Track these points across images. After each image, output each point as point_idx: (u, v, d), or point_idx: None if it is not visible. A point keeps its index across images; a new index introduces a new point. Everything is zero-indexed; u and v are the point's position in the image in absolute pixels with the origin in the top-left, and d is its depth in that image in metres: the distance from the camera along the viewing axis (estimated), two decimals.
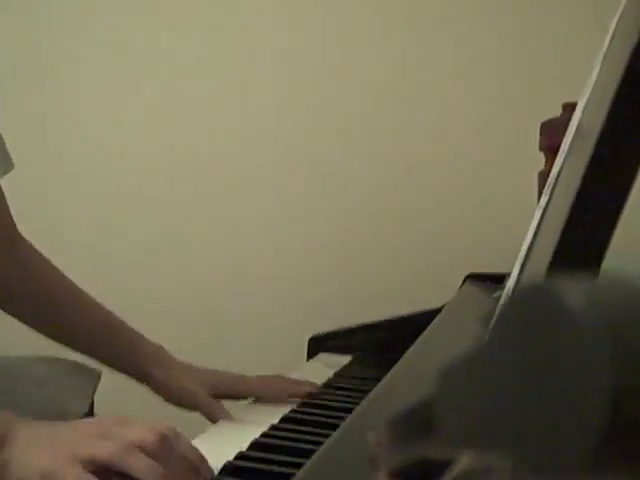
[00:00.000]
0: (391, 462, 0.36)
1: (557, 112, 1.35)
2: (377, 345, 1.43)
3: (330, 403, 1.08)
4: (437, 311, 1.32)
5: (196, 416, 1.13)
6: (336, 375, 1.27)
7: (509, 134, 1.83)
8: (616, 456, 0.21)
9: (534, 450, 0.23)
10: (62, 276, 1.22)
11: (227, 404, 1.14)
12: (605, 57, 0.64)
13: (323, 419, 0.99)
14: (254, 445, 0.87)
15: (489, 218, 1.84)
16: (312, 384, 1.13)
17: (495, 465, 0.29)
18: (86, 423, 0.83)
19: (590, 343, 0.22)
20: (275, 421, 0.99)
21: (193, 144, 1.98)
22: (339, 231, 1.92)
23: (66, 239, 1.99)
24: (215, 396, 1.13)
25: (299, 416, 1.02)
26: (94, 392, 1.26)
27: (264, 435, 0.92)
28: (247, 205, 1.96)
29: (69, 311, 1.20)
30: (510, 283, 0.75)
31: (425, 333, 1.11)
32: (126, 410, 0.88)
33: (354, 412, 0.80)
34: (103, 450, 0.73)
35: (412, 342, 1.05)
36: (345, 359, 1.39)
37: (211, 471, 0.78)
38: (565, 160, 0.65)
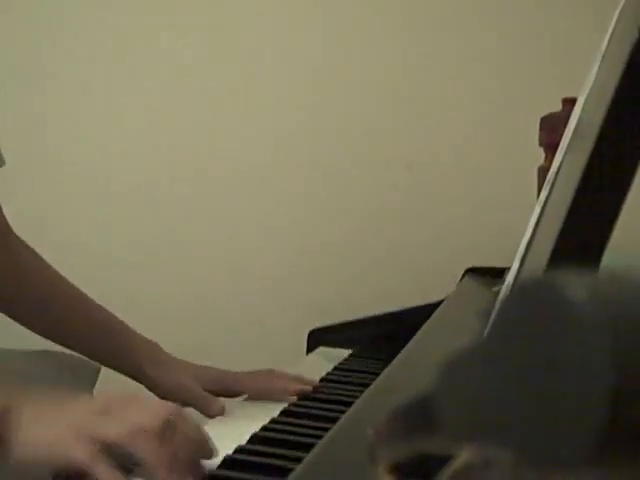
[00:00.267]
0: (390, 456, 0.36)
1: (557, 107, 1.35)
2: (377, 339, 1.43)
3: (330, 397, 1.08)
4: (437, 305, 1.32)
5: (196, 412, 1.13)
6: (336, 369, 1.27)
7: (509, 129, 1.83)
8: (616, 451, 0.22)
9: (534, 444, 0.23)
10: (55, 274, 1.21)
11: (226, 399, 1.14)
12: (605, 54, 0.64)
13: (323, 413, 0.99)
14: (253, 439, 0.87)
15: (489, 213, 1.84)
16: (309, 381, 1.13)
17: (494, 459, 0.29)
18: (92, 401, 0.82)
19: (590, 337, 0.22)
20: (275, 414, 0.99)
21: (193, 144, 1.98)
22: (339, 225, 1.92)
23: (66, 239, 1.99)
24: (209, 393, 1.13)
25: (299, 410, 1.02)
26: (93, 386, 1.26)
27: (264, 429, 0.92)
28: (247, 204, 1.96)
29: (63, 309, 1.20)
30: (510, 277, 0.75)
31: (425, 327, 1.11)
32: None
33: (354, 406, 0.80)
34: (112, 431, 0.72)
35: (412, 336, 1.05)
36: (345, 353, 1.39)
37: (215, 451, 0.78)
38: (565, 156, 0.65)
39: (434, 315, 1.20)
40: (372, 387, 0.86)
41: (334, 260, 1.91)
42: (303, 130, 1.94)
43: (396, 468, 0.36)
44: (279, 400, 1.07)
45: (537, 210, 0.73)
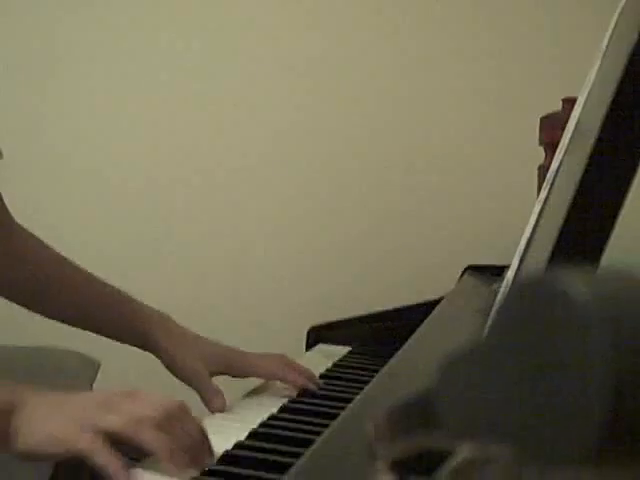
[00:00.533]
0: (390, 453, 0.36)
1: (557, 107, 1.36)
2: (376, 336, 1.43)
3: (329, 393, 1.08)
4: (436, 302, 1.32)
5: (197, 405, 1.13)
6: (335, 366, 1.27)
7: (509, 129, 1.84)
8: (617, 448, 0.22)
9: (533, 442, 0.23)
10: (59, 257, 1.21)
11: (228, 392, 1.14)
12: (605, 54, 0.64)
13: (322, 409, 1.00)
14: (253, 435, 0.88)
15: (489, 211, 1.84)
16: (316, 381, 1.12)
17: (494, 456, 0.29)
18: (95, 394, 0.83)
19: (590, 335, 0.22)
20: (274, 411, 0.99)
21: (193, 144, 1.98)
22: (339, 225, 1.92)
23: (66, 239, 1.99)
24: (217, 372, 1.12)
25: (298, 406, 1.02)
26: (92, 382, 1.26)
27: (263, 425, 0.92)
28: (247, 204, 1.96)
29: (71, 290, 1.20)
30: (509, 275, 0.75)
31: (424, 324, 1.12)
32: None
33: (353, 403, 0.80)
34: (114, 422, 0.74)
35: (411, 333, 1.05)
36: (344, 350, 1.39)
37: (213, 453, 0.79)
38: (565, 155, 0.66)
39: (433, 313, 1.20)
40: (371, 384, 0.86)
41: (334, 259, 1.91)
42: (303, 130, 1.94)
43: (396, 465, 0.37)
44: (279, 395, 1.08)
45: (537, 209, 0.73)
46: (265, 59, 1.96)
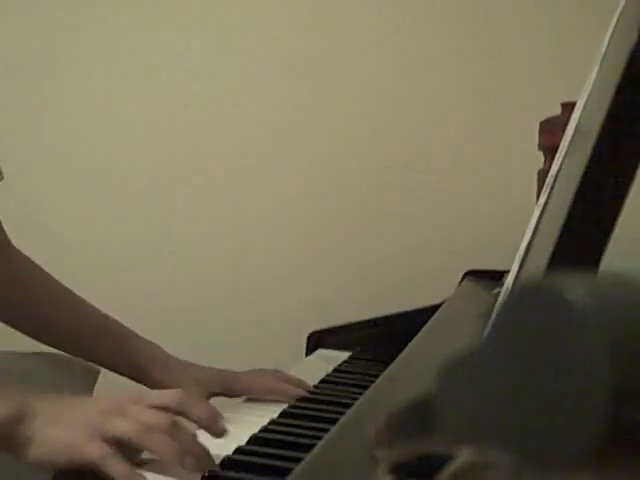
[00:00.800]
0: (390, 457, 0.36)
1: (556, 111, 1.36)
2: (376, 341, 1.43)
3: (329, 398, 1.08)
4: (436, 307, 1.32)
5: None
6: (335, 371, 1.27)
7: (509, 133, 1.84)
8: (616, 453, 0.22)
9: (533, 446, 0.23)
10: (54, 282, 1.22)
11: (226, 399, 1.14)
12: (604, 56, 0.64)
13: (322, 414, 1.00)
14: (253, 439, 0.88)
15: (488, 215, 1.84)
16: (307, 386, 1.13)
17: (495, 461, 0.29)
18: (103, 400, 0.84)
19: (590, 340, 0.22)
20: (274, 416, 0.99)
21: (193, 144, 1.98)
22: (339, 227, 1.92)
23: (66, 239, 2.00)
24: (210, 394, 1.13)
25: (298, 411, 1.02)
26: (92, 388, 1.26)
27: (263, 430, 0.92)
28: (247, 205, 1.96)
29: (64, 318, 1.20)
30: (509, 280, 0.75)
31: (424, 329, 1.12)
32: None
33: (353, 407, 0.80)
34: (124, 429, 0.75)
35: (411, 338, 1.05)
36: (344, 355, 1.39)
37: (225, 429, 0.81)
38: (564, 159, 0.66)
39: (433, 318, 1.20)
40: (371, 389, 0.86)
41: (334, 262, 1.91)
42: (303, 130, 1.94)
43: (396, 469, 0.37)
44: (278, 401, 1.08)
45: (536, 213, 0.73)
46: (265, 59, 1.96)
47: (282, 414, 1.01)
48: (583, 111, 0.65)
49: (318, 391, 1.12)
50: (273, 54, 1.95)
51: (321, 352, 1.43)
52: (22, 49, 2.01)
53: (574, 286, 0.23)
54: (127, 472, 0.72)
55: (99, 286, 1.93)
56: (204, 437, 0.81)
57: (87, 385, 1.25)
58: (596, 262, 0.50)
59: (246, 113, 1.96)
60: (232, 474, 0.78)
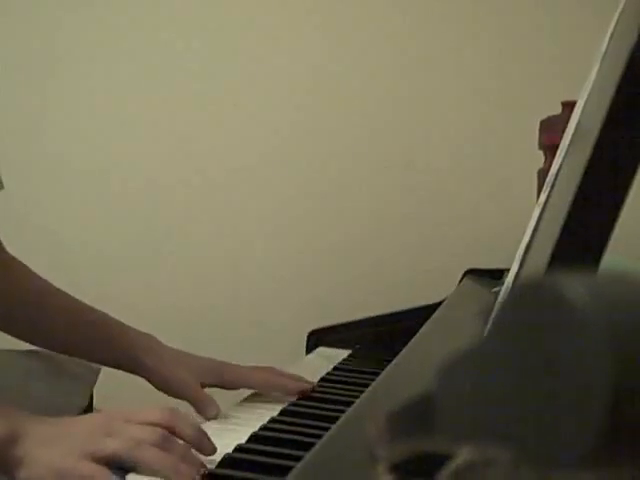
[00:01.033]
0: (390, 455, 0.36)
1: (557, 110, 1.36)
2: (376, 339, 1.43)
3: (329, 396, 1.08)
4: (436, 306, 1.32)
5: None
6: (335, 369, 1.27)
7: (509, 132, 1.84)
8: (616, 452, 0.22)
9: (534, 444, 0.23)
10: (46, 285, 1.22)
11: (224, 397, 1.14)
12: (604, 56, 0.64)
13: (322, 412, 1.00)
14: (253, 438, 0.88)
15: (489, 214, 1.84)
16: (307, 382, 1.13)
17: (495, 459, 0.29)
18: (93, 419, 0.84)
19: (590, 339, 0.22)
20: (274, 414, 0.99)
21: (193, 144, 1.99)
22: (339, 227, 1.92)
23: (66, 239, 2.00)
24: (206, 384, 1.13)
25: (298, 409, 1.03)
26: (93, 386, 1.26)
27: (263, 428, 0.92)
28: (247, 204, 1.96)
29: (57, 319, 1.20)
30: (509, 279, 0.75)
31: (424, 328, 1.11)
32: (125, 404, 0.89)
33: (353, 406, 0.80)
34: (113, 447, 0.75)
35: (411, 336, 1.05)
36: (344, 353, 1.39)
37: (214, 448, 0.80)
38: (564, 158, 0.66)
39: (434, 316, 1.20)
40: (371, 387, 0.86)
41: (334, 261, 1.91)
42: (303, 130, 1.94)
43: (396, 468, 0.37)
44: (278, 399, 1.08)
45: (536, 212, 0.73)
46: (265, 59, 1.96)
47: (282, 412, 1.01)
48: (583, 111, 0.65)
49: (318, 389, 1.12)
50: (273, 54, 1.95)
51: (321, 350, 1.43)
52: (22, 49, 2.01)
53: (574, 285, 0.23)
54: None
55: (99, 286, 1.93)
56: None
57: (88, 383, 1.25)
58: (596, 261, 0.50)
59: (246, 113, 1.96)
60: (232, 472, 0.78)
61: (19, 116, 2.00)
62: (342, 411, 0.86)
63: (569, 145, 0.66)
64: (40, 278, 1.22)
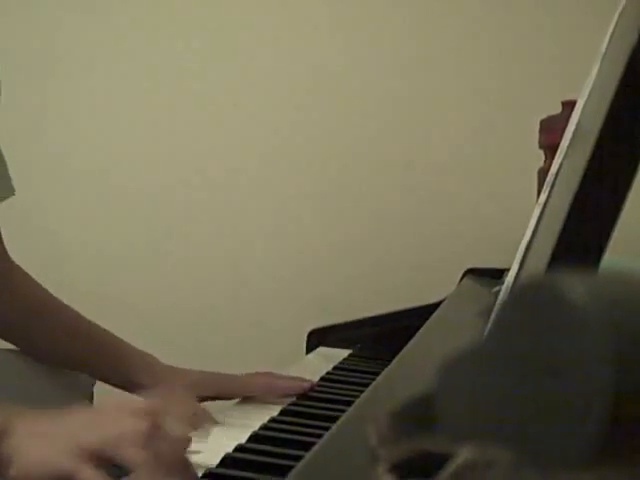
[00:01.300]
0: (390, 455, 0.36)
1: (557, 109, 1.36)
2: (376, 339, 1.43)
3: (329, 396, 1.08)
4: (437, 305, 1.32)
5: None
6: (335, 368, 1.27)
7: (509, 131, 1.83)
8: (617, 451, 0.22)
9: (534, 445, 0.23)
10: (48, 296, 1.21)
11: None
12: (605, 56, 0.64)
13: (322, 412, 1.00)
14: (253, 437, 0.88)
15: (489, 214, 1.84)
16: (305, 380, 1.13)
17: (496, 459, 0.29)
18: (80, 413, 0.84)
19: (590, 338, 0.22)
20: (274, 414, 0.99)
21: (193, 144, 1.98)
22: (339, 226, 1.92)
23: (66, 239, 2.00)
24: (205, 398, 1.12)
25: (298, 409, 1.02)
26: (94, 386, 1.26)
27: (263, 428, 0.92)
28: (247, 204, 1.96)
29: (58, 332, 1.20)
30: (509, 278, 0.75)
31: (424, 327, 1.11)
32: None
33: (353, 405, 0.80)
34: (97, 440, 0.75)
35: (412, 336, 1.05)
36: (344, 353, 1.39)
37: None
38: (564, 158, 0.66)
39: (434, 316, 1.20)
40: (372, 387, 0.86)
41: (334, 260, 1.91)
42: (303, 130, 1.94)
43: (397, 467, 0.37)
44: (278, 400, 1.07)
45: (537, 212, 0.73)
46: (265, 59, 1.96)
47: (282, 412, 1.01)
48: (583, 111, 0.65)
49: (318, 389, 1.12)
50: (273, 54, 1.95)
51: (321, 350, 1.43)
52: (22, 49, 2.01)
53: (574, 285, 0.23)
54: None
55: (99, 286, 1.93)
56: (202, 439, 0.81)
57: (88, 383, 1.25)
58: (596, 261, 0.50)
59: (246, 113, 1.96)
60: (233, 472, 0.78)
61: (19, 116, 2.00)
62: (342, 411, 0.86)
63: (569, 145, 0.66)
64: (42, 288, 1.21)
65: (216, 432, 0.87)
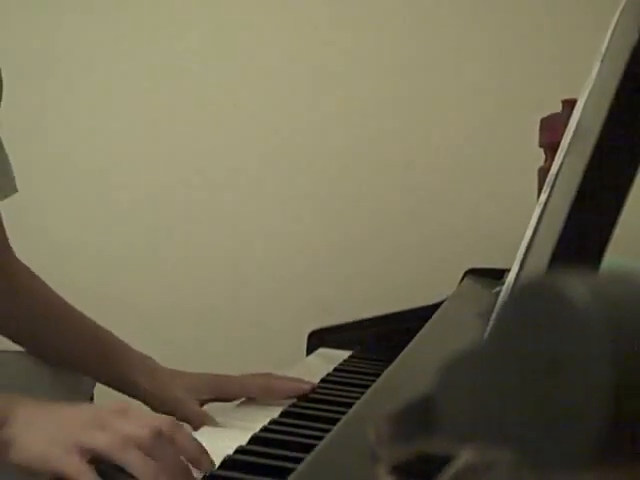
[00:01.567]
0: (391, 457, 0.36)
1: (557, 108, 1.35)
2: (377, 340, 1.43)
3: (330, 398, 1.08)
4: (437, 306, 1.32)
5: None
6: (336, 370, 1.27)
7: (509, 130, 1.83)
8: (617, 452, 0.22)
9: (535, 445, 0.23)
10: (51, 293, 1.21)
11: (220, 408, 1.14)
12: (605, 56, 0.64)
13: (323, 414, 0.99)
14: (254, 439, 0.87)
15: (489, 214, 1.84)
16: (305, 382, 1.12)
17: (496, 460, 0.29)
18: (85, 409, 0.84)
19: (591, 338, 0.22)
20: (275, 416, 0.99)
21: (193, 144, 1.98)
22: (339, 227, 1.92)
23: (66, 239, 2.00)
24: (204, 400, 1.12)
25: (299, 411, 1.02)
26: (94, 386, 1.26)
27: (264, 429, 0.92)
28: (247, 204, 1.96)
29: (58, 329, 1.19)
30: (510, 278, 0.75)
31: (425, 328, 1.11)
32: None
33: (354, 407, 0.80)
34: (101, 442, 0.74)
35: (412, 337, 1.05)
36: (345, 354, 1.39)
37: (212, 463, 0.79)
38: (565, 157, 0.65)
39: (434, 316, 1.20)
40: (372, 388, 0.86)
41: (334, 261, 1.91)
42: (303, 130, 1.94)
43: (397, 469, 0.36)
44: (279, 402, 1.07)
45: (537, 211, 0.73)
46: (265, 59, 1.96)
47: (283, 414, 1.00)
48: (583, 111, 0.65)
49: (319, 390, 1.12)
50: (273, 54, 1.95)
51: (322, 351, 1.43)
52: (22, 49, 2.01)
53: (575, 285, 0.23)
54: None
55: (99, 286, 1.93)
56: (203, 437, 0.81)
57: (89, 383, 1.25)
58: (596, 261, 0.50)
59: (246, 113, 1.96)
60: (233, 474, 0.78)
61: (19, 116, 2.00)
62: (343, 412, 0.86)
63: (569, 145, 0.66)
64: (48, 288, 1.21)
65: (216, 434, 0.87)
